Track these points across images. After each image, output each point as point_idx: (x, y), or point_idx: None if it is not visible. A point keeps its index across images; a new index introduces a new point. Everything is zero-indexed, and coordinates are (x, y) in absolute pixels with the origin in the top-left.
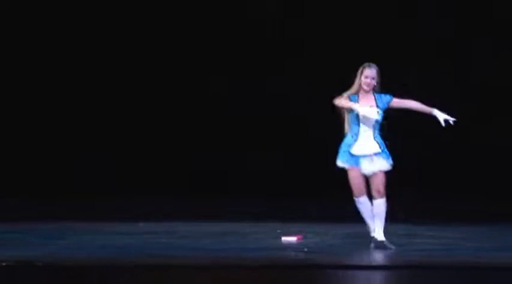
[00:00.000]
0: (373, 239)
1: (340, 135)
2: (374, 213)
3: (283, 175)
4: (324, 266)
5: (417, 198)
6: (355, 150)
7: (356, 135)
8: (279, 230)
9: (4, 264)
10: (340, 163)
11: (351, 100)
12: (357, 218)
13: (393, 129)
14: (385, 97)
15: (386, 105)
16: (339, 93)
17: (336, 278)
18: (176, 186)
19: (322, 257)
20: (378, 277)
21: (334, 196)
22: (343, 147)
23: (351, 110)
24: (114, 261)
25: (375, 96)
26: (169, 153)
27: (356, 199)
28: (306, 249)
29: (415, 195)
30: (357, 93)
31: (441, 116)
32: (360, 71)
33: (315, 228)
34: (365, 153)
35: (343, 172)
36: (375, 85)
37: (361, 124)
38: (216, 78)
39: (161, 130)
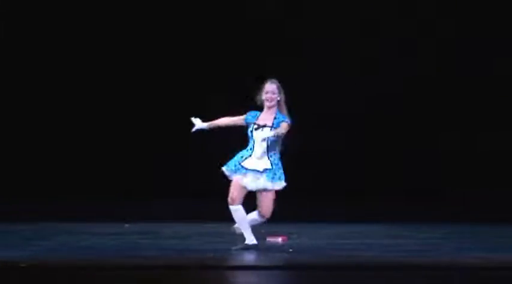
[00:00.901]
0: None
1: None
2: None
3: None
4: (308, 266)
5: (400, 199)
6: (246, 163)
7: (251, 150)
8: (263, 231)
9: None
10: (225, 170)
11: (249, 116)
12: (341, 219)
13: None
14: (281, 118)
15: (278, 126)
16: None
17: (321, 279)
18: (161, 187)
19: (306, 258)
20: (362, 277)
21: (318, 198)
22: (236, 156)
23: (246, 124)
24: (99, 262)
25: (276, 114)
26: (154, 154)
27: (230, 206)
28: (290, 250)
29: (398, 197)
30: (261, 108)
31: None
32: (262, 86)
33: (300, 229)
34: (254, 168)
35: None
36: (278, 101)
37: (255, 139)
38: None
39: (147, 132)
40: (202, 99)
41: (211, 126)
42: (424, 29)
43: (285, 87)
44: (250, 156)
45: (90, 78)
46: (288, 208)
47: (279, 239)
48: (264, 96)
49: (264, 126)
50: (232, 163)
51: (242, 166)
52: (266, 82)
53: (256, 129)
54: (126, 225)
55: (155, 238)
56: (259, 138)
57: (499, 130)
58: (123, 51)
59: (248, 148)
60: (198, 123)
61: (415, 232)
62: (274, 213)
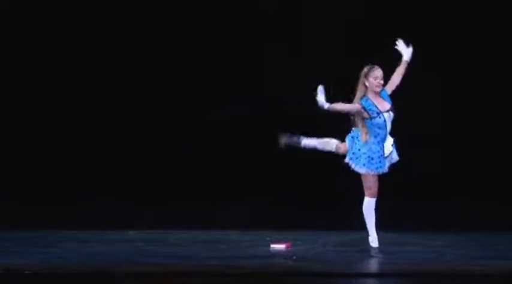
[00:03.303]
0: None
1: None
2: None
3: (274, 184)
4: (312, 274)
5: (407, 206)
6: (386, 152)
7: (383, 140)
8: (268, 238)
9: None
10: (373, 170)
11: (366, 105)
12: (346, 226)
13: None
14: (385, 93)
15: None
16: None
17: None
18: (165, 193)
19: (310, 265)
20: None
21: (324, 204)
22: (372, 154)
23: (376, 116)
24: (103, 269)
25: (382, 97)
26: (159, 161)
27: (374, 200)
28: (294, 257)
29: (406, 203)
30: (365, 96)
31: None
32: (365, 73)
33: (304, 236)
34: (388, 153)
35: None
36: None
37: (386, 128)
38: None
39: (149, 137)
40: (194, 105)
41: (331, 108)
42: None
43: None
44: (382, 146)
45: (101, 86)
46: (292, 215)
47: (283, 246)
48: (372, 82)
49: (389, 110)
50: (377, 162)
51: (385, 157)
52: (371, 68)
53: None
54: (131, 232)
55: (161, 246)
56: (389, 122)
57: None
58: (119, 53)
59: (378, 140)
60: (321, 99)
61: (421, 240)
62: (279, 220)
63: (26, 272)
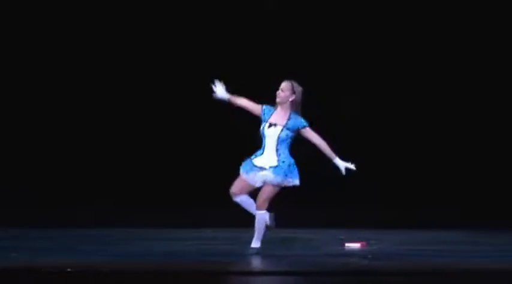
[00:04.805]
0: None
1: None
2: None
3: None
4: (388, 273)
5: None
6: (257, 161)
7: (263, 149)
8: (342, 237)
9: (69, 270)
10: (241, 170)
11: (264, 111)
12: (413, 225)
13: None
14: (299, 121)
15: (295, 128)
16: None
17: None
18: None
19: (385, 264)
20: (436, 283)
21: (392, 204)
22: (252, 156)
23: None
24: (173, 267)
25: (290, 115)
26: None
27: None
28: (369, 256)
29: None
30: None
31: (342, 165)
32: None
33: (378, 235)
34: (262, 166)
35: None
36: (291, 102)
37: (266, 138)
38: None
39: (224, 136)
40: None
41: (232, 100)
42: None
43: None
44: (262, 154)
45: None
46: (368, 214)
47: (358, 245)
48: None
49: (275, 124)
50: (246, 163)
51: (254, 165)
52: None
53: (269, 127)
54: (210, 231)
55: (234, 244)
56: (270, 135)
57: None
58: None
59: (262, 146)
60: (220, 91)
61: (490, 238)
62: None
63: (103, 269)
